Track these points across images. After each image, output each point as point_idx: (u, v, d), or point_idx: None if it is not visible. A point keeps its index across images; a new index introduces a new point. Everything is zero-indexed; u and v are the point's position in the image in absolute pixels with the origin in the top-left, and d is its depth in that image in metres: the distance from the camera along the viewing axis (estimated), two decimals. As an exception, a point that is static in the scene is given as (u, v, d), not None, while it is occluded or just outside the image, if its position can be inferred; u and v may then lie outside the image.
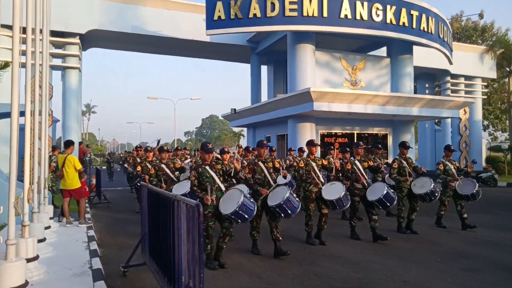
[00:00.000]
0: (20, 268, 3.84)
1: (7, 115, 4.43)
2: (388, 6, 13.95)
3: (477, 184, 7.80)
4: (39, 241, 5.20)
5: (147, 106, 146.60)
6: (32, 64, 5.36)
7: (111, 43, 18.34)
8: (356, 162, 7.13)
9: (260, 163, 6.01)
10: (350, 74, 16.04)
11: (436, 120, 24.83)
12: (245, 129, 28.92)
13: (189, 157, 12.64)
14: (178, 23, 16.39)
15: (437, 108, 15.79)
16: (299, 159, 6.99)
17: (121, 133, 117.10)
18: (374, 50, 18.10)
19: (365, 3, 13.61)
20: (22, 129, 4.51)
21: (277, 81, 19.91)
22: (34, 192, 5.40)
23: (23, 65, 4.77)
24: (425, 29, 14.91)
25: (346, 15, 13.44)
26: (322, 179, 6.78)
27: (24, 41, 4.86)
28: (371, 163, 7.28)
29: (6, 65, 5.48)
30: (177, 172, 8.05)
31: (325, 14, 13.25)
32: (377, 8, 13.77)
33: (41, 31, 6.24)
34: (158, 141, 11.09)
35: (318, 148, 7.63)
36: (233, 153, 12.55)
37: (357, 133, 16.38)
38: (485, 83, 25.06)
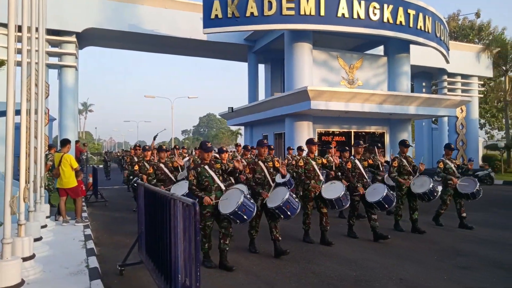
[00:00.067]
0: (16, 267, 3.82)
1: (3, 113, 4.40)
2: (385, 5, 13.98)
3: (478, 183, 7.78)
4: (36, 240, 5.18)
5: (144, 105, 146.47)
6: (28, 62, 5.34)
7: (108, 42, 18.28)
8: (356, 161, 7.10)
9: (260, 163, 5.93)
10: (347, 72, 16.07)
11: (433, 119, 24.92)
12: (242, 127, 28.92)
13: (187, 155, 12.63)
14: (175, 22, 16.36)
15: (434, 106, 15.85)
16: (299, 158, 6.93)
17: (118, 132, 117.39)
18: (371, 49, 18.14)
19: (362, 2, 13.63)
20: (18, 127, 4.49)
21: (274, 80, 19.91)
22: (30, 191, 5.39)
23: (19, 64, 4.75)
24: (422, 28, 14.95)
25: (343, 14, 13.46)
26: (322, 178, 6.75)
27: (19, 40, 4.84)
28: (370, 161, 7.27)
29: (1, 63, 5.46)
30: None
31: (322, 13, 13.26)
32: (374, 7, 13.79)
33: (37, 29, 6.21)
34: (155, 136, 11.05)
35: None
36: (232, 151, 12.56)
37: (354, 132, 16.42)
38: (482, 82, 25.15)
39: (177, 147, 13.95)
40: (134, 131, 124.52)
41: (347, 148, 8.50)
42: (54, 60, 15.49)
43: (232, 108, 18.69)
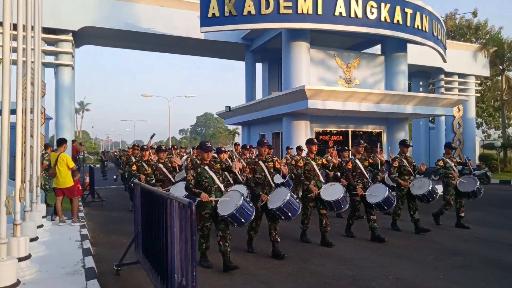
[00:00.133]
0: (12, 267, 3.81)
1: (-2, 112, 4.38)
2: (383, 4, 13.97)
3: (478, 182, 7.77)
4: (32, 240, 5.16)
5: (141, 104, 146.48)
6: (23, 61, 5.31)
7: (104, 40, 18.18)
8: (357, 161, 7.07)
9: (261, 163, 5.85)
10: (345, 72, 16.07)
11: (430, 118, 24.97)
12: (240, 127, 28.90)
13: (185, 155, 12.61)
14: (172, 20, 16.30)
15: (431, 106, 15.87)
16: (298, 158, 6.88)
17: (115, 131, 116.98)
18: (368, 48, 18.13)
19: (360, 1, 13.62)
20: (13, 127, 4.47)
21: (271, 79, 19.89)
22: (26, 190, 5.35)
23: (15, 62, 4.72)
24: (419, 27, 14.96)
25: (340, 13, 13.44)
26: (322, 179, 6.70)
27: (15, 38, 4.81)
28: (370, 160, 7.25)
29: (-4, 62, 5.43)
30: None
31: (319, 12, 13.25)
32: (372, 6, 13.79)
33: (32, 27, 6.18)
34: (152, 136, 11.03)
35: None
36: (231, 151, 12.54)
37: (351, 131, 16.42)
38: (479, 81, 25.23)
39: (175, 146, 13.92)
40: (131, 130, 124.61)
41: (346, 148, 8.48)
42: (50, 59, 15.39)
43: (229, 107, 18.66)
